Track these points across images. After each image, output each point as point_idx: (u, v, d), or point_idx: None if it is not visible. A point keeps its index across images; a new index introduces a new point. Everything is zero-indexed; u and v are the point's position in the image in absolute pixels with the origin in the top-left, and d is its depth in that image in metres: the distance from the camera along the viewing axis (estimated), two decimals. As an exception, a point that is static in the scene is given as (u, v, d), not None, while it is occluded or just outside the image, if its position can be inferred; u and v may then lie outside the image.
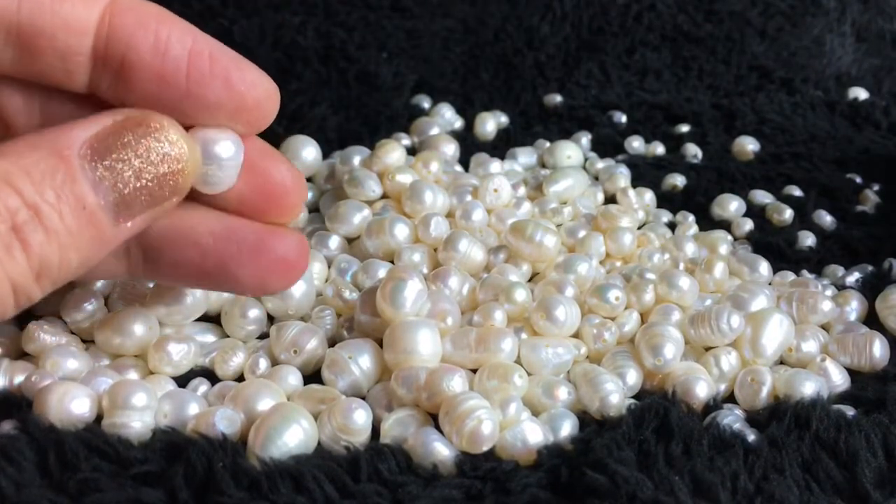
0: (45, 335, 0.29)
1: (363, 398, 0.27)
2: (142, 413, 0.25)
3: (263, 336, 0.31)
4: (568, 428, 0.26)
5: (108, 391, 0.26)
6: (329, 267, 0.34)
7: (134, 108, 0.22)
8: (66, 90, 0.23)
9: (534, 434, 0.25)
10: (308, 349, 0.29)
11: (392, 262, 0.34)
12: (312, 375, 0.29)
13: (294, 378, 0.28)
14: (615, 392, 0.26)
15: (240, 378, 0.29)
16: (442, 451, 0.25)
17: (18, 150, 0.20)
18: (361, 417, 0.25)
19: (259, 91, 0.24)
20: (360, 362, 0.28)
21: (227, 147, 0.23)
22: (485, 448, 0.25)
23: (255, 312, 0.31)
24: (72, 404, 0.25)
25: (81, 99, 0.24)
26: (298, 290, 0.31)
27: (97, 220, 0.20)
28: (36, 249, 0.19)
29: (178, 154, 0.22)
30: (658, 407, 0.26)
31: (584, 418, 0.26)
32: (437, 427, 0.26)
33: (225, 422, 0.25)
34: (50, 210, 0.19)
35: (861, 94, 0.53)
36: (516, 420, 0.26)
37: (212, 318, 0.32)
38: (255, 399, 0.26)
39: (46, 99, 0.24)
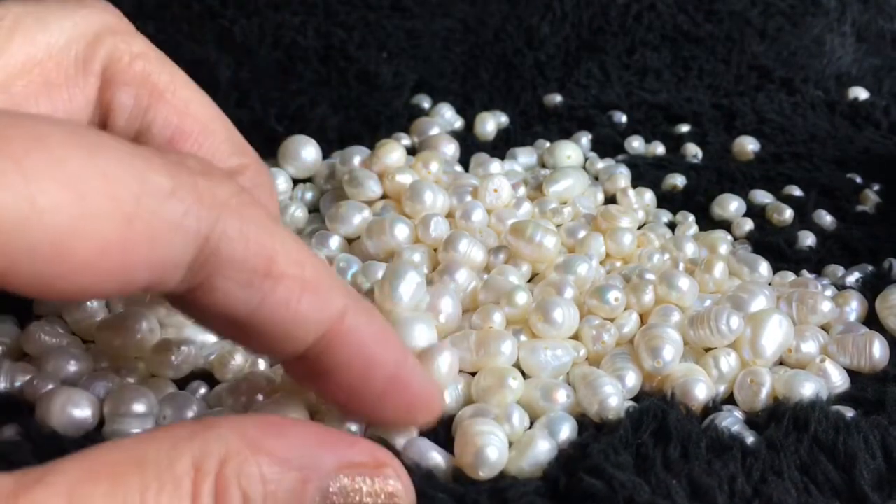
0: (45, 336, 0.29)
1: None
2: (143, 420, 0.26)
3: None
4: (567, 431, 0.26)
5: (109, 397, 0.26)
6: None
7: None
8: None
9: (546, 453, 0.25)
10: None
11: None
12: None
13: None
14: (614, 395, 0.26)
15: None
16: (436, 457, 0.25)
17: (276, 449, 0.19)
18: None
19: (432, 412, 0.25)
20: None
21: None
22: (483, 475, 0.24)
23: None
24: (74, 410, 0.25)
25: None
26: None
27: None
28: None
29: (398, 500, 0.21)
30: (656, 410, 0.26)
31: (582, 421, 0.26)
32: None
33: None
34: None
35: (861, 94, 0.53)
36: (521, 431, 0.26)
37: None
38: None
39: None
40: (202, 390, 0.28)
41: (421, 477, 0.24)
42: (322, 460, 0.20)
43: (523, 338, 0.30)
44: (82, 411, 0.25)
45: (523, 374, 0.28)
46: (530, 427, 0.26)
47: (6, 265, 0.17)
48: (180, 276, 0.19)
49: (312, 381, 0.23)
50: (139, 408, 0.26)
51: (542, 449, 0.25)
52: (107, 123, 0.24)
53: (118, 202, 0.17)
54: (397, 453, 0.24)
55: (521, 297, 0.30)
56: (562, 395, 0.27)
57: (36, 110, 0.23)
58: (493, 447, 0.24)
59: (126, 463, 0.17)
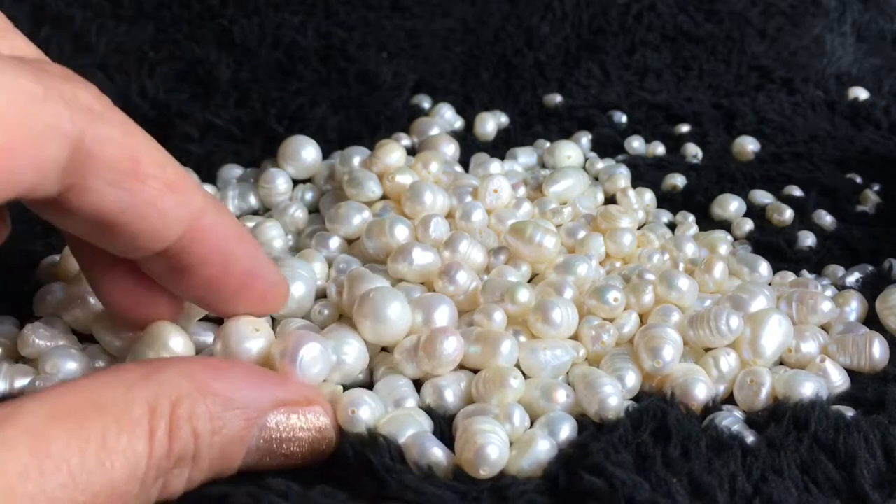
0: (39, 340, 0.29)
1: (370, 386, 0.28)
2: None
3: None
4: (567, 431, 0.26)
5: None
6: (329, 267, 0.34)
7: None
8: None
9: (546, 452, 0.25)
10: None
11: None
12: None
13: None
14: (614, 395, 0.26)
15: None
16: (438, 454, 0.25)
17: (221, 389, 0.22)
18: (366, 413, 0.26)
19: (280, 301, 0.27)
20: (347, 350, 0.28)
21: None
22: (483, 473, 0.24)
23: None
24: None
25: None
26: (298, 290, 0.31)
27: (227, 471, 0.22)
28: (170, 490, 0.21)
29: (326, 433, 0.24)
30: (656, 409, 0.26)
31: (582, 421, 0.26)
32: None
33: None
34: (205, 464, 0.21)
35: (861, 94, 0.53)
36: (522, 431, 0.26)
37: (212, 319, 0.32)
38: None
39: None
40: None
41: (422, 474, 0.24)
42: (260, 399, 0.22)
43: (523, 338, 0.30)
44: None
45: (523, 374, 0.28)
46: (530, 426, 0.26)
47: None
48: (55, 178, 0.21)
49: (172, 279, 0.25)
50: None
51: (543, 448, 0.25)
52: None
53: None
54: (398, 448, 0.25)
55: (523, 295, 0.30)
56: (561, 395, 0.27)
57: None
58: (494, 446, 0.24)
59: (86, 406, 0.19)
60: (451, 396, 0.27)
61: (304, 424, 0.23)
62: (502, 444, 0.24)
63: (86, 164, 0.21)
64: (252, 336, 0.26)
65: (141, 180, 0.22)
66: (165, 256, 0.24)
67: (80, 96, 0.21)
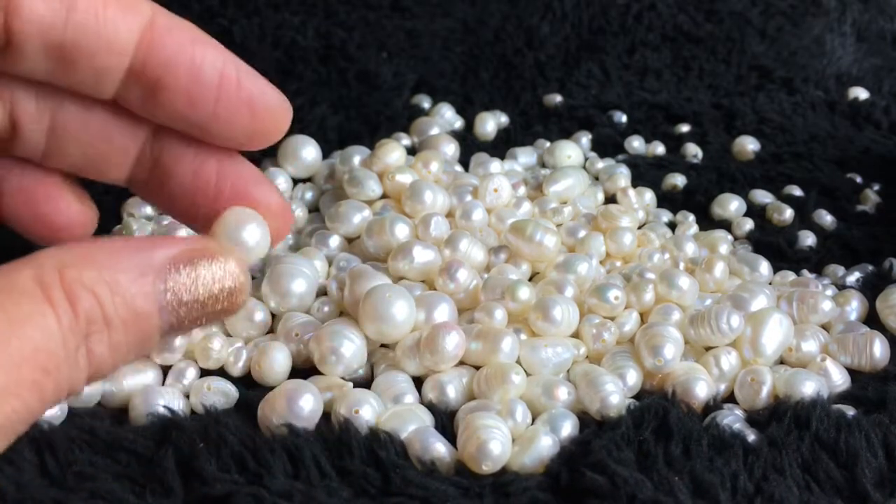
0: None
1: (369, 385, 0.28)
2: None
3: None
4: (568, 428, 0.26)
5: None
6: (329, 266, 0.34)
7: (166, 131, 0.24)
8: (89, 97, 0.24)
9: (548, 448, 0.25)
10: (307, 338, 0.29)
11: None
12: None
13: (282, 355, 0.29)
14: (615, 392, 0.26)
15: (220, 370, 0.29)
16: (440, 449, 0.25)
17: (103, 259, 0.20)
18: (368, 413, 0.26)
19: (278, 115, 0.25)
20: (345, 348, 0.28)
21: (253, 233, 0.24)
22: (486, 469, 0.24)
23: (259, 315, 0.31)
24: None
25: (99, 104, 0.24)
26: (300, 287, 0.31)
27: (151, 335, 0.21)
28: (97, 359, 0.20)
29: (237, 285, 0.22)
30: (657, 407, 0.26)
31: (583, 418, 0.26)
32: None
33: (219, 396, 0.27)
34: (119, 325, 0.20)
35: (861, 93, 0.53)
36: (524, 427, 0.26)
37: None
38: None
39: (60, 102, 0.24)
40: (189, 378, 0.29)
41: (424, 470, 0.24)
42: (150, 258, 0.21)
43: (523, 336, 0.30)
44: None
45: (525, 371, 0.28)
46: (532, 423, 0.26)
47: None
48: None
49: (150, 108, 0.24)
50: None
51: (545, 444, 0.25)
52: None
53: None
54: (401, 444, 0.25)
55: (524, 292, 0.30)
56: (563, 393, 0.27)
57: None
58: (497, 441, 0.24)
59: None
60: (452, 392, 0.27)
61: (212, 276, 0.22)
62: (505, 439, 0.24)
63: None
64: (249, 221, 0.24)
65: None
66: (132, 81, 0.23)
67: None
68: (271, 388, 0.27)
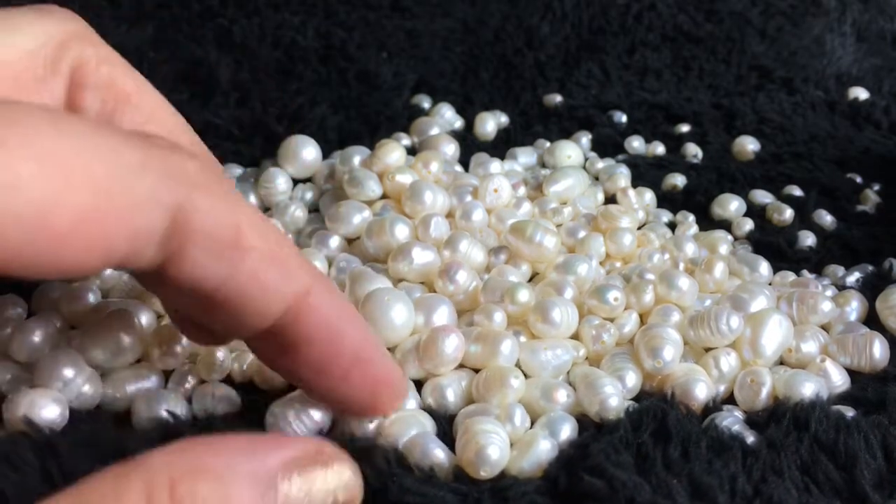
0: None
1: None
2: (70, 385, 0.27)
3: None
4: (567, 431, 0.26)
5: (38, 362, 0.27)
6: (329, 266, 0.34)
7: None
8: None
9: (547, 452, 0.25)
10: None
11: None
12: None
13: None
14: (614, 395, 0.26)
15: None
16: (439, 455, 0.25)
17: (216, 466, 0.19)
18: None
19: (397, 394, 0.26)
20: None
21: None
22: (484, 474, 0.24)
23: None
24: (41, 412, 0.25)
25: None
26: None
27: None
28: None
29: (350, 498, 0.22)
30: (656, 410, 0.26)
31: (583, 420, 0.26)
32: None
33: (223, 402, 0.27)
34: None
35: (861, 93, 0.53)
36: (522, 431, 0.26)
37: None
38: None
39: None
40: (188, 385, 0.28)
41: (423, 475, 0.24)
42: (265, 464, 0.20)
43: (523, 338, 0.30)
44: (49, 412, 0.26)
45: (524, 374, 0.28)
46: (531, 426, 0.26)
47: None
48: (154, 248, 0.20)
49: (278, 360, 0.24)
50: (68, 373, 0.26)
51: (544, 448, 0.25)
52: None
53: (92, 175, 0.18)
54: (397, 451, 0.25)
55: (523, 295, 0.30)
56: (562, 395, 0.27)
57: None
58: (495, 446, 0.24)
59: None
60: (452, 395, 0.27)
61: (327, 485, 0.21)
62: (503, 444, 0.24)
63: (185, 235, 0.20)
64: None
65: (242, 252, 0.21)
66: (269, 334, 0.23)
67: (184, 166, 0.20)
68: (273, 393, 0.27)
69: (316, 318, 0.23)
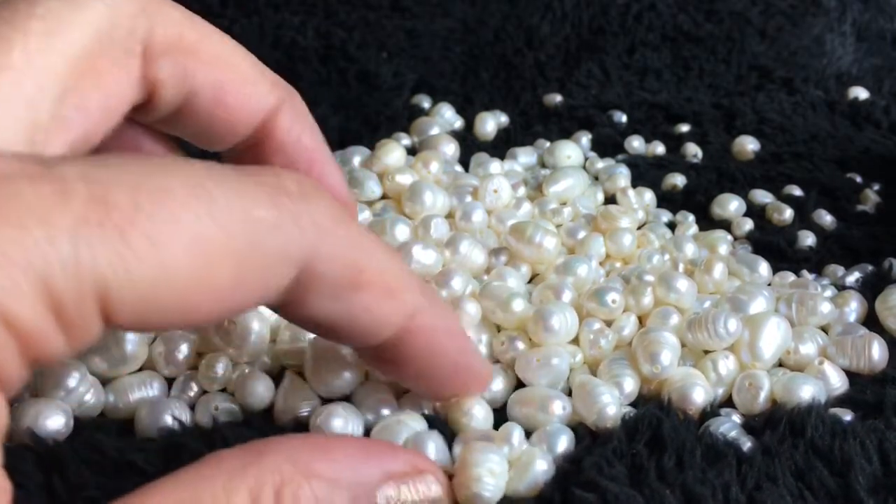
0: None
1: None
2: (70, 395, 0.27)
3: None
4: (564, 444, 0.26)
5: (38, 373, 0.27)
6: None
7: None
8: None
9: (543, 473, 0.25)
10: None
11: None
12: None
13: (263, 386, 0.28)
14: (611, 404, 0.26)
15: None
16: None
17: (323, 470, 0.20)
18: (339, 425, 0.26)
19: (485, 386, 0.28)
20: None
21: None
22: None
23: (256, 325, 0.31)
24: (46, 422, 0.25)
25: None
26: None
27: None
28: None
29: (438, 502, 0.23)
30: (651, 418, 0.26)
31: (579, 430, 0.26)
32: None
33: (226, 416, 0.27)
34: None
35: (861, 93, 0.53)
36: (520, 451, 0.25)
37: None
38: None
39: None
40: (191, 392, 0.28)
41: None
42: (368, 474, 0.21)
43: (521, 345, 0.30)
44: (54, 422, 0.26)
45: (521, 384, 0.28)
46: (528, 437, 0.26)
47: (137, 322, 0.17)
48: (279, 295, 0.20)
49: (385, 367, 0.25)
50: (71, 381, 0.27)
51: (540, 469, 0.25)
52: (154, 98, 0.24)
53: (231, 247, 0.18)
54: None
55: (518, 305, 0.30)
56: (558, 407, 0.27)
57: (87, 99, 0.23)
58: (488, 492, 0.24)
59: None
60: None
61: (416, 497, 0.22)
62: (496, 487, 0.24)
63: (309, 282, 0.21)
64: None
65: (360, 290, 0.21)
66: (377, 349, 0.24)
67: (314, 215, 0.20)
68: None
69: (420, 337, 0.23)
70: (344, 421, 0.26)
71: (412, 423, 0.26)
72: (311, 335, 0.28)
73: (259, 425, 0.27)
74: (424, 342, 0.24)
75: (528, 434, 0.26)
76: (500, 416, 0.27)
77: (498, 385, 0.28)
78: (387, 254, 0.23)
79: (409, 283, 0.23)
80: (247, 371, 0.28)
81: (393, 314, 0.22)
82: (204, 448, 0.25)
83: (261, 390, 0.28)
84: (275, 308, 0.22)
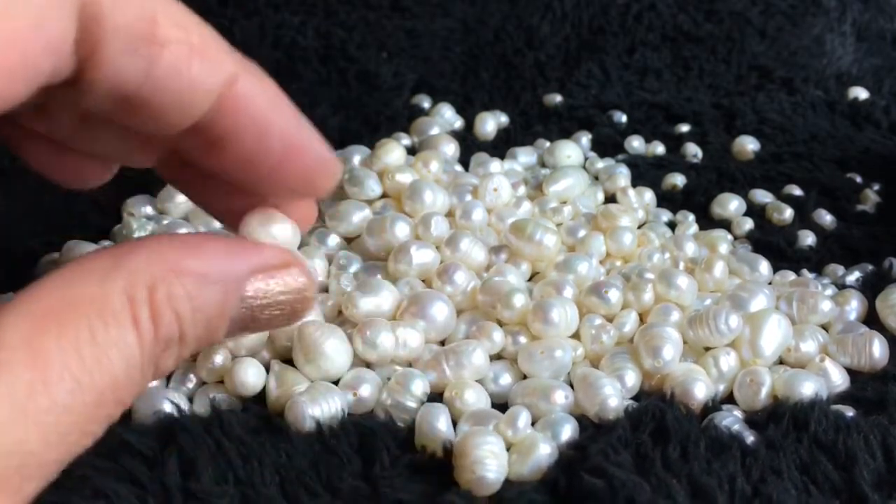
0: None
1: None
2: None
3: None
4: (568, 432, 0.26)
5: None
6: (329, 264, 0.34)
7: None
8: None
9: (547, 457, 0.25)
10: None
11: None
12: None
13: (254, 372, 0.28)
14: (614, 396, 0.26)
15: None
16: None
17: (194, 267, 0.21)
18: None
19: (329, 178, 0.25)
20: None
21: (285, 230, 0.25)
22: (486, 493, 0.24)
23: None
24: None
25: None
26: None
27: (213, 342, 0.22)
28: (160, 372, 0.21)
29: (306, 293, 0.23)
30: (655, 409, 0.26)
31: (582, 420, 0.26)
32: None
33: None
34: (192, 342, 0.21)
35: (861, 93, 0.53)
36: (525, 434, 0.26)
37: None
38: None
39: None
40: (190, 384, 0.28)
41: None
42: (237, 269, 0.22)
43: (523, 339, 0.30)
44: None
45: (524, 376, 0.28)
46: (532, 424, 0.26)
47: None
48: (70, 52, 0.19)
49: (207, 155, 0.23)
50: None
51: (544, 453, 0.25)
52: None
53: None
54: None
55: (519, 300, 0.30)
56: (560, 397, 0.27)
57: None
58: (491, 472, 0.24)
59: (64, 306, 0.18)
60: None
61: (284, 287, 0.22)
62: (500, 467, 0.24)
63: (97, 31, 0.19)
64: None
65: (160, 45, 0.20)
66: (196, 131, 0.22)
67: None
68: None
69: (243, 108, 0.22)
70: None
71: (409, 403, 0.26)
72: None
73: (257, 412, 0.27)
74: (249, 113, 0.22)
75: (531, 424, 0.26)
76: (504, 410, 0.27)
77: (505, 380, 0.29)
78: (190, 13, 0.21)
79: (221, 45, 0.21)
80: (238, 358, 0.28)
81: (206, 76, 0.21)
82: (201, 431, 0.25)
83: (251, 377, 0.28)
84: (76, 88, 0.20)
